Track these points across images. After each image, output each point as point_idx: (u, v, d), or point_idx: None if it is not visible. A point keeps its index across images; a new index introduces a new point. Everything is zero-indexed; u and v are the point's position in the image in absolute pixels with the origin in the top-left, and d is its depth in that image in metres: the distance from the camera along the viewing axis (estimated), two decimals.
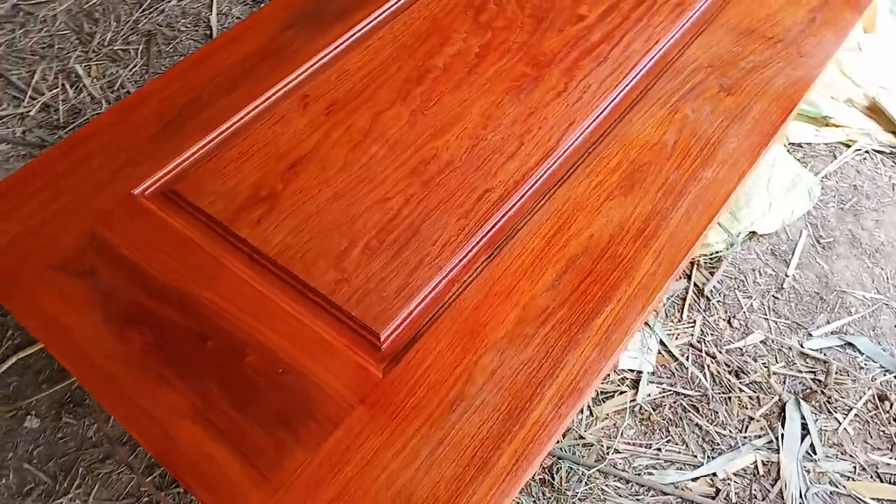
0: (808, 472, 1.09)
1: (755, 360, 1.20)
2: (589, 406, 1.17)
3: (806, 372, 1.19)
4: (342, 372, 0.84)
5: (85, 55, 1.87)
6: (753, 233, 1.36)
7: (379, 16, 1.28)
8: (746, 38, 1.20)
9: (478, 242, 0.96)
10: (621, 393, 1.18)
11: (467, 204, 0.99)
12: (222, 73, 1.20)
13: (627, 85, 1.14)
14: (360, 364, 0.85)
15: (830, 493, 1.07)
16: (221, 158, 1.08)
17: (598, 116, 1.10)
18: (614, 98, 1.12)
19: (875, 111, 1.56)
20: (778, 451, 1.11)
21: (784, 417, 1.14)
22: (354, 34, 1.25)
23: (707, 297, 1.28)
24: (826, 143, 1.51)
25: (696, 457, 1.12)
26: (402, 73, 1.18)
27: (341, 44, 1.24)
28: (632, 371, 1.21)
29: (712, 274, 1.31)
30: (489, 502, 0.74)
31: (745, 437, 1.13)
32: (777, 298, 1.28)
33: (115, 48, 1.88)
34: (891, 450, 1.10)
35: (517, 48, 1.20)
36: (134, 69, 1.83)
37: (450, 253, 0.94)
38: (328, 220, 0.98)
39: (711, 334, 1.24)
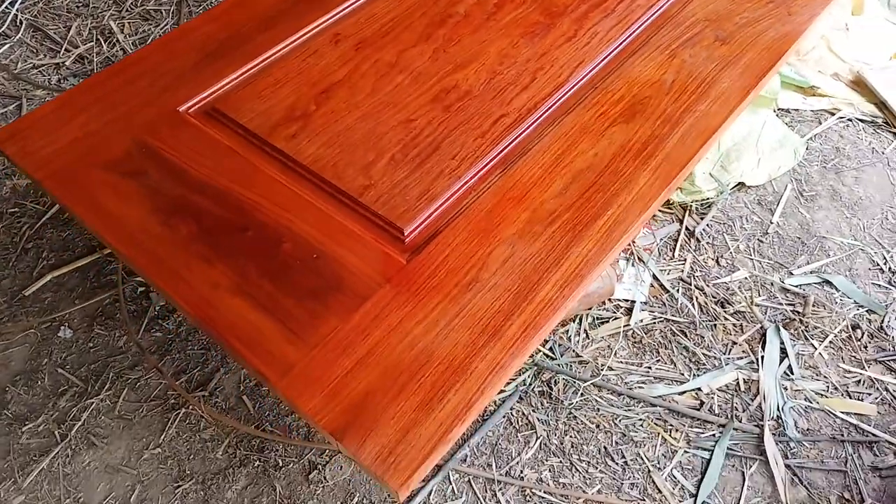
0: (786, 388, 1.19)
1: (740, 293, 1.30)
2: (585, 329, 1.27)
3: (786, 304, 1.29)
4: (370, 258, 0.94)
5: (119, 14, 1.98)
6: (742, 184, 1.47)
7: None
8: None
9: (493, 158, 1.06)
10: (615, 319, 1.28)
11: (484, 126, 1.10)
12: (260, 14, 1.30)
13: (632, 34, 1.25)
14: (385, 252, 0.94)
15: (805, 407, 1.17)
16: (259, 84, 1.18)
17: (604, 58, 1.20)
18: (619, 44, 1.23)
19: (859, 84, 1.67)
20: (758, 370, 1.21)
21: (765, 342, 1.24)
22: None
23: (697, 239, 1.39)
24: (812, 110, 1.62)
25: (682, 374, 1.22)
26: (426, 17, 1.28)
27: None
28: (626, 301, 1.31)
29: (703, 219, 1.42)
30: (501, 362, 0.84)
31: (728, 358, 1.23)
32: (762, 242, 1.38)
33: (148, 7, 1.98)
34: (861, 370, 1.21)
35: (532, 0, 1.31)
36: (165, 27, 1.93)
37: (468, 166, 1.04)
38: (357, 136, 1.09)
39: (700, 270, 1.35)
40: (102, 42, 1.89)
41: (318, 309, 0.89)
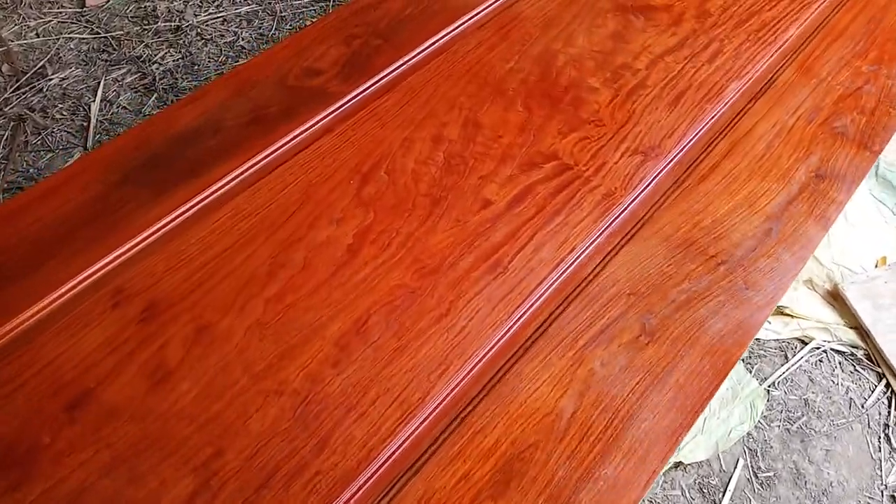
0: None
1: None
2: None
3: None
4: None
5: None
6: (679, 462, 1.13)
7: (241, 174, 1.03)
8: (683, 253, 0.96)
9: None
10: None
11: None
12: (23, 245, 0.94)
13: (525, 312, 0.90)
14: None
15: None
16: None
17: (480, 360, 0.86)
18: (506, 332, 0.88)
19: (837, 299, 1.34)
20: None
21: None
22: (206, 198, 1.00)
23: None
24: (777, 339, 1.29)
25: None
26: (251, 265, 0.93)
27: (186, 211, 0.99)
28: None
29: None
30: None
31: None
32: None
33: None
34: None
35: (400, 242, 0.96)
36: None
37: None
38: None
39: None
40: None
41: None
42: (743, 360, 1.25)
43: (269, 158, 1.05)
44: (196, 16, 1.79)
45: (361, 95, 1.13)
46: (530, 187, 1.02)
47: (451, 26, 1.24)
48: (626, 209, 1.00)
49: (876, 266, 1.37)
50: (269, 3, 1.83)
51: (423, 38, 1.21)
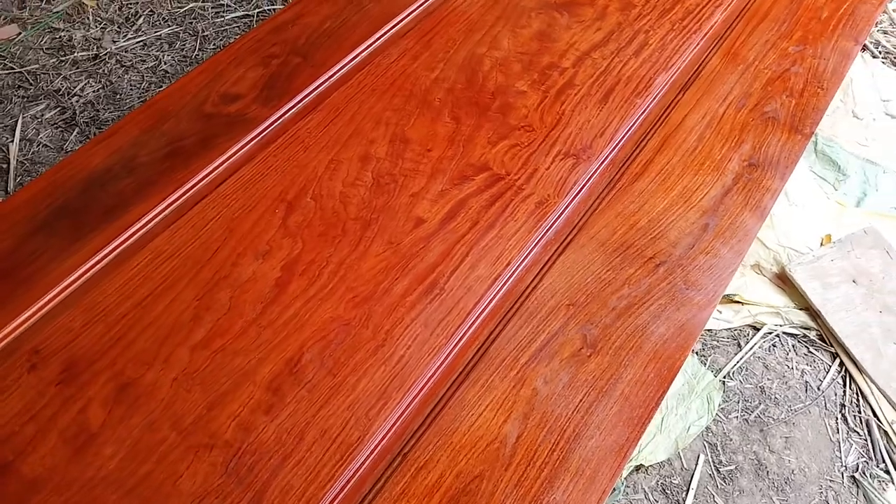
0: None
1: None
2: None
3: None
4: None
5: None
6: (640, 465, 1.11)
7: (159, 214, 0.98)
8: (620, 257, 0.94)
9: None
10: None
11: None
12: None
13: (465, 334, 0.87)
14: None
15: None
16: None
17: (420, 390, 0.82)
18: (446, 357, 0.85)
19: (785, 281, 1.34)
20: None
21: None
22: (122, 243, 0.95)
23: None
24: (729, 329, 1.28)
25: None
26: (174, 311, 0.88)
27: (102, 259, 0.94)
28: None
29: None
30: None
31: None
32: None
33: None
34: None
35: (331, 271, 0.92)
36: None
37: None
38: None
39: None
40: None
41: None
42: (697, 352, 1.24)
43: (187, 195, 1.00)
44: (114, 42, 1.72)
45: (283, 118, 1.09)
46: (463, 201, 0.99)
47: (372, 38, 1.20)
48: (560, 216, 0.98)
49: (821, 245, 1.37)
50: (191, 23, 1.77)
51: (344, 53, 1.17)
